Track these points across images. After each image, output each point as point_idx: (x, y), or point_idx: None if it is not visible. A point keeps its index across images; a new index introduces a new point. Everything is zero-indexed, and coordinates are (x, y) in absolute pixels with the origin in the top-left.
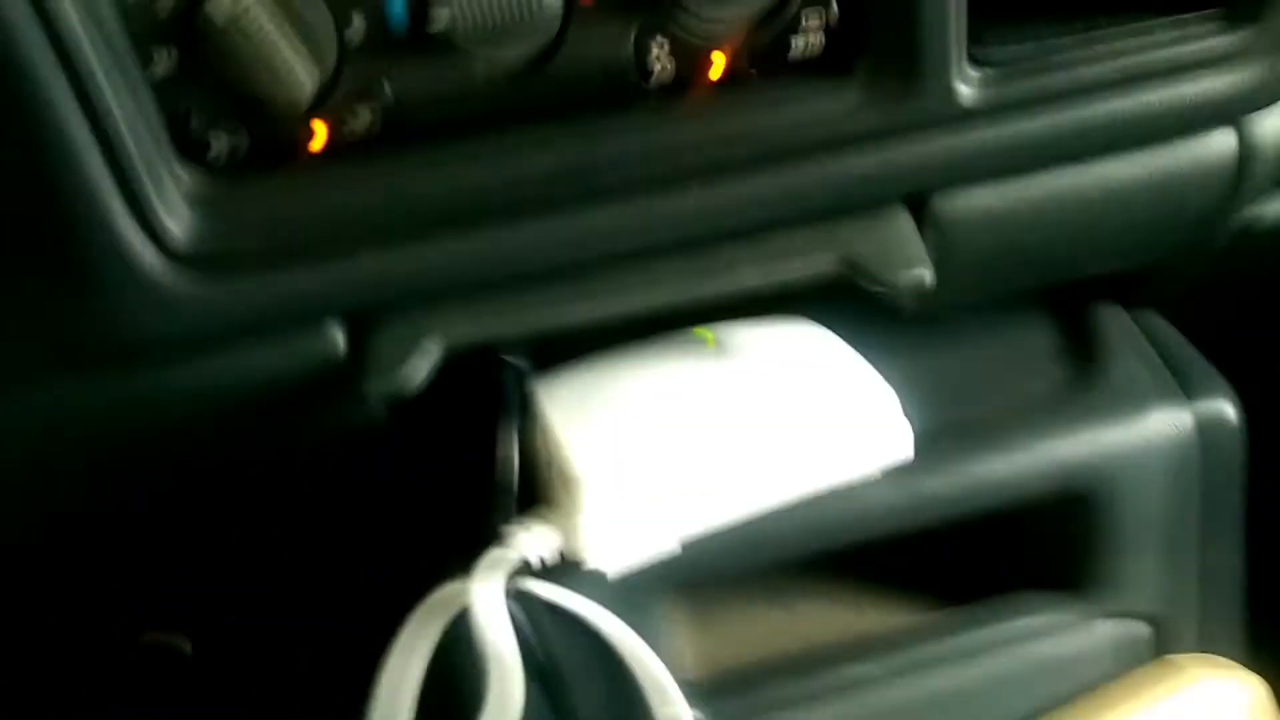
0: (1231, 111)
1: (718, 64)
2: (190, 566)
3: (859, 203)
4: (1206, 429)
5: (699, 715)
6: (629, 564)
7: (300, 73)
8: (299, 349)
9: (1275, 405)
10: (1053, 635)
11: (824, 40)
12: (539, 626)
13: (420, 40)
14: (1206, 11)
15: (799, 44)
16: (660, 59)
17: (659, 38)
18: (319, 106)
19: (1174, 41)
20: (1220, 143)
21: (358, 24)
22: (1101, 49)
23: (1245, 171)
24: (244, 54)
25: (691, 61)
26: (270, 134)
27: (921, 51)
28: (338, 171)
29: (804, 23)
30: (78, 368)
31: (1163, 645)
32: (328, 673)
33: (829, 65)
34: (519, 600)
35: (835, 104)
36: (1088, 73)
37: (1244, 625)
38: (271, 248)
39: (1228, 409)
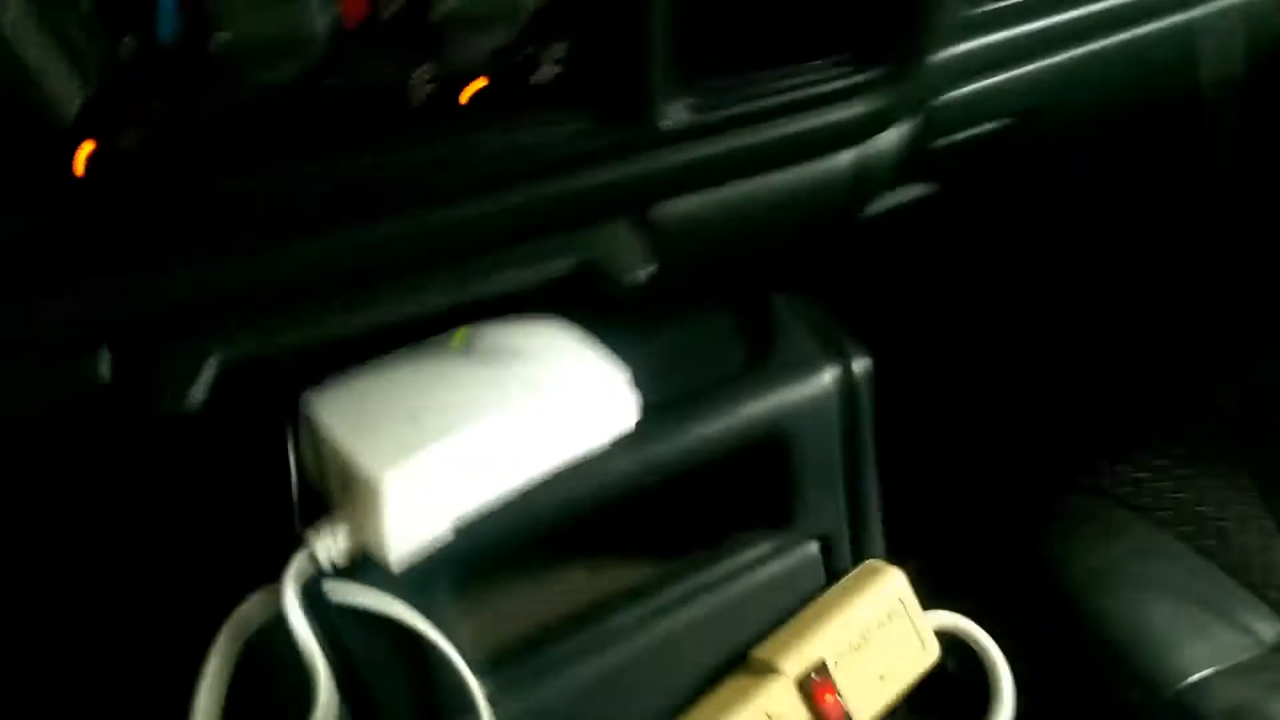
0: (865, 130)
1: (468, 91)
2: None
3: (589, 213)
4: (846, 383)
5: (489, 687)
6: (416, 556)
7: (64, 95)
8: (64, 374)
9: (896, 361)
10: (764, 564)
11: (561, 73)
12: (334, 627)
13: (192, 59)
14: (843, 54)
15: (538, 77)
16: (419, 84)
17: (418, 65)
18: (84, 128)
19: (825, 79)
20: (848, 155)
21: (128, 42)
22: (771, 85)
23: (867, 174)
24: (4, 75)
25: (446, 87)
26: (32, 158)
27: (638, 86)
28: (103, 194)
29: (542, 58)
30: None
31: (829, 559)
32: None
33: (566, 95)
34: (314, 604)
35: (568, 127)
36: (765, 103)
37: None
38: (28, 276)
39: (860, 367)
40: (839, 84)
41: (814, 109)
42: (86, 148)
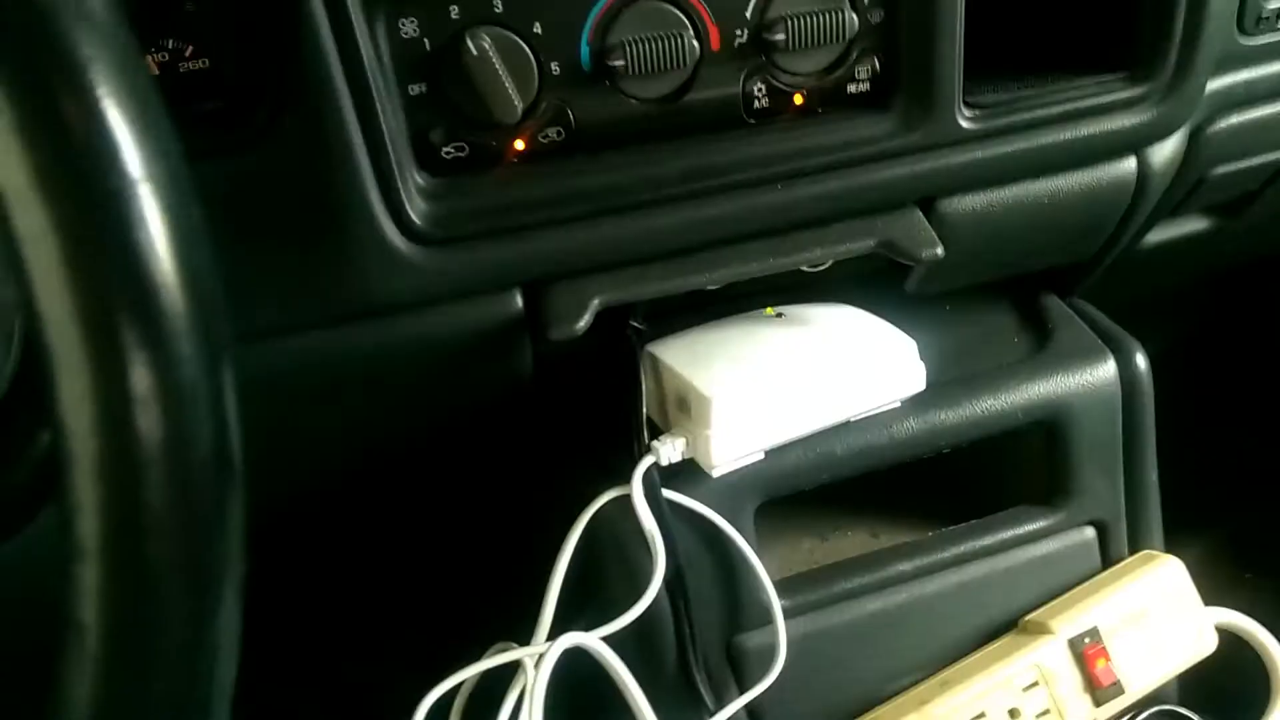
0: (1135, 142)
1: (797, 99)
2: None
3: (889, 202)
4: (1125, 375)
5: (784, 602)
6: (734, 466)
7: (514, 100)
8: (489, 307)
9: (1168, 358)
10: (1038, 540)
11: (870, 85)
12: (666, 524)
13: (596, 78)
14: (1119, 71)
15: (852, 88)
16: (759, 95)
17: (758, 80)
18: (522, 125)
19: (1098, 92)
20: (1128, 165)
21: (554, 66)
22: (1050, 96)
23: (1143, 186)
24: (477, 85)
25: (780, 97)
26: (484, 145)
27: (935, 92)
28: (530, 174)
29: (856, 72)
30: (340, 320)
31: (1104, 545)
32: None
33: (874, 102)
34: (652, 499)
35: (876, 128)
36: (1042, 112)
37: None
38: (479, 231)
39: (1139, 360)
40: (1111, 97)
41: (1087, 119)
42: (520, 143)
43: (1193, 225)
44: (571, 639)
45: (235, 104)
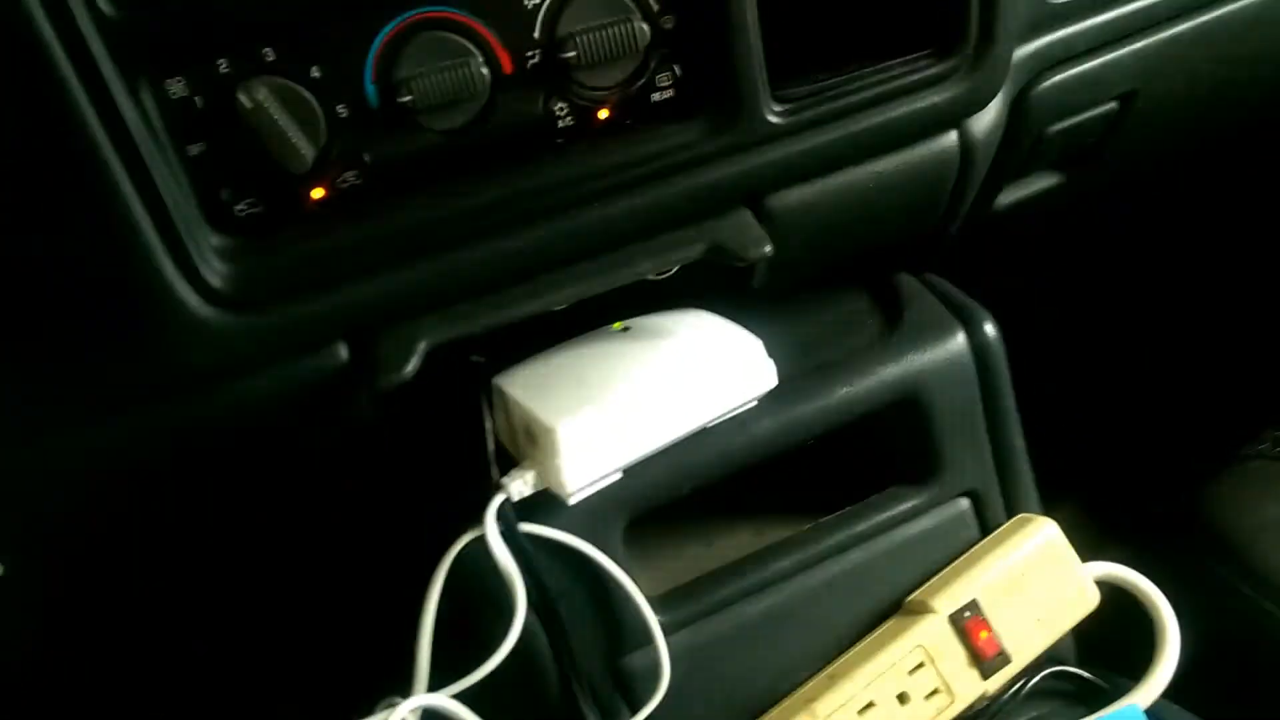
0: (950, 117)
1: (602, 114)
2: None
3: (713, 206)
4: (976, 345)
5: (663, 618)
6: (589, 491)
7: (302, 150)
8: (313, 362)
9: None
10: (915, 518)
11: (674, 92)
12: (527, 558)
13: (388, 115)
14: (924, 50)
15: (656, 97)
16: (561, 114)
17: (558, 100)
18: (315, 173)
19: (905, 72)
20: (949, 139)
21: (340, 109)
22: (858, 82)
23: (968, 157)
24: (260, 136)
25: (584, 114)
26: (279, 198)
27: (739, 93)
28: (332, 222)
29: (657, 81)
30: (158, 396)
31: (981, 514)
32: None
33: (679, 109)
34: (510, 536)
35: (685, 135)
36: (853, 99)
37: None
38: (287, 287)
39: (989, 328)
40: (919, 75)
41: (898, 100)
42: (318, 191)
43: (1044, 181)
44: (418, 701)
45: (19, 187)
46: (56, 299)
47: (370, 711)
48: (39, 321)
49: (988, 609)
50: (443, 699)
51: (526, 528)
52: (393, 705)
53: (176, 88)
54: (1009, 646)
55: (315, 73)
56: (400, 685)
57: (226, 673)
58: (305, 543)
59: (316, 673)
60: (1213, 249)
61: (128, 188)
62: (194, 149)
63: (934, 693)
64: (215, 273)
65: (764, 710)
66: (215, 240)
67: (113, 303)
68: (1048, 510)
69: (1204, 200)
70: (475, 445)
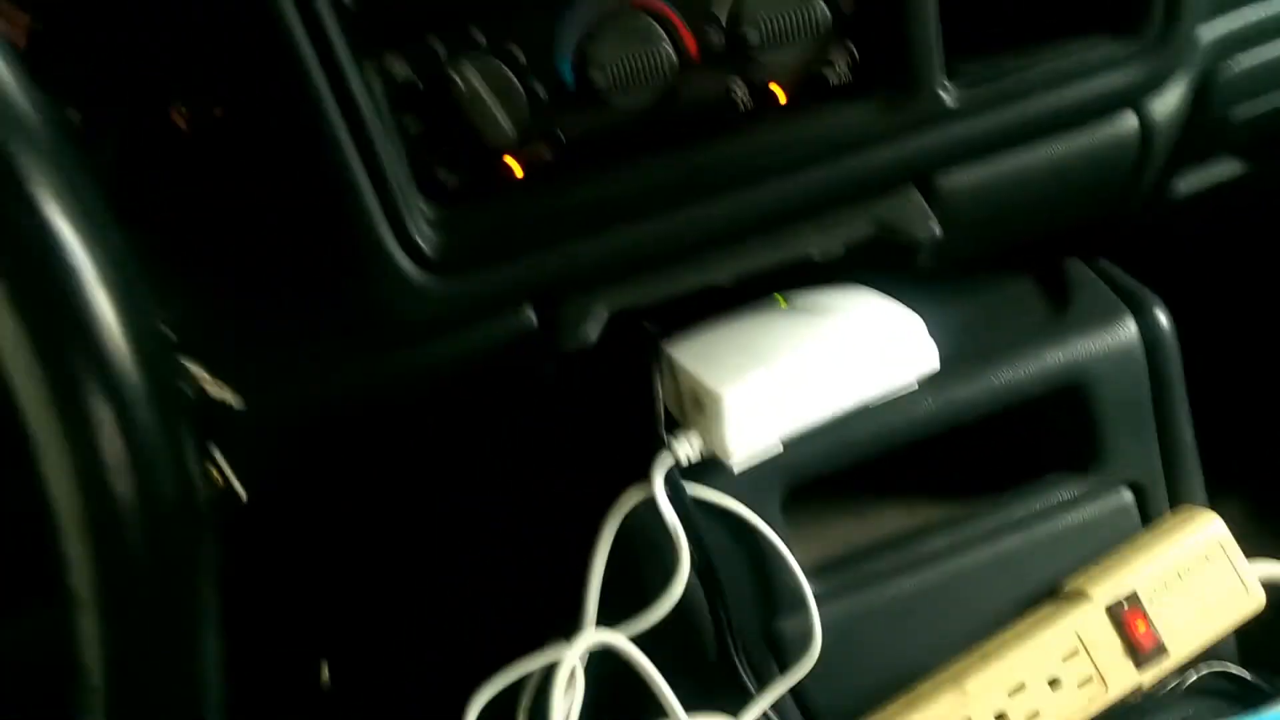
0: (1128, 97)
1: (780, 95)
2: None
3: (883, 183)
4: (1149, 334)
5: (817, 587)
6: (753, 460)
7: (505, 127)
8: (505, 324)
9: (1193, 315)
10: (1074, 507)
11: (851, 73)
12: (690, 520)
13: (581, 94)
14: (1103, 29)
15: (832, 76)
16: (741, 95)
17: (739, 80)
18: (516, 148)
19: (1083, 51)
20: (1128, 121)
21: (539, 88)
22: (1034, 61)
23: (1148, 140)
24: (468, 114)
25: (762, 94)
26: (483, 171)
27: (915, 73)
28: (529, 194)
29: (835, 63)
30: (368, 351)
31: (1143, 506)
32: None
33: (855, 89)
34: (675, 495)
35: (861, 114)
36: (1028, 77)
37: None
38: (487, 254)
39: (1161, 316)
40: (1097, 55)
41: (1075, 80)
42: (516, 165)
43: (1227, 169)
44: (598, 637)
45: (255, 155)
46: (290, 259)
47: (525, 651)
48: (275, 279)
49: (1147, 601)
50: (621, 639)
51: (692, 490)
52: (559, 644)
53: (398, 66)
54: (1167, 640)
55: (519, 54)
56: (553, 632)
57: (408, 612)
58: (483, 491)
59: (479, 616)
60: None
61: (355, 159)
62: (411, 124)
63: (1087, 680)
64: (425, 239)
65: (911, 683)
66: (426, 209)
67: (338, 263)
68: (1214, 506)
69: None
70: (645, 409)
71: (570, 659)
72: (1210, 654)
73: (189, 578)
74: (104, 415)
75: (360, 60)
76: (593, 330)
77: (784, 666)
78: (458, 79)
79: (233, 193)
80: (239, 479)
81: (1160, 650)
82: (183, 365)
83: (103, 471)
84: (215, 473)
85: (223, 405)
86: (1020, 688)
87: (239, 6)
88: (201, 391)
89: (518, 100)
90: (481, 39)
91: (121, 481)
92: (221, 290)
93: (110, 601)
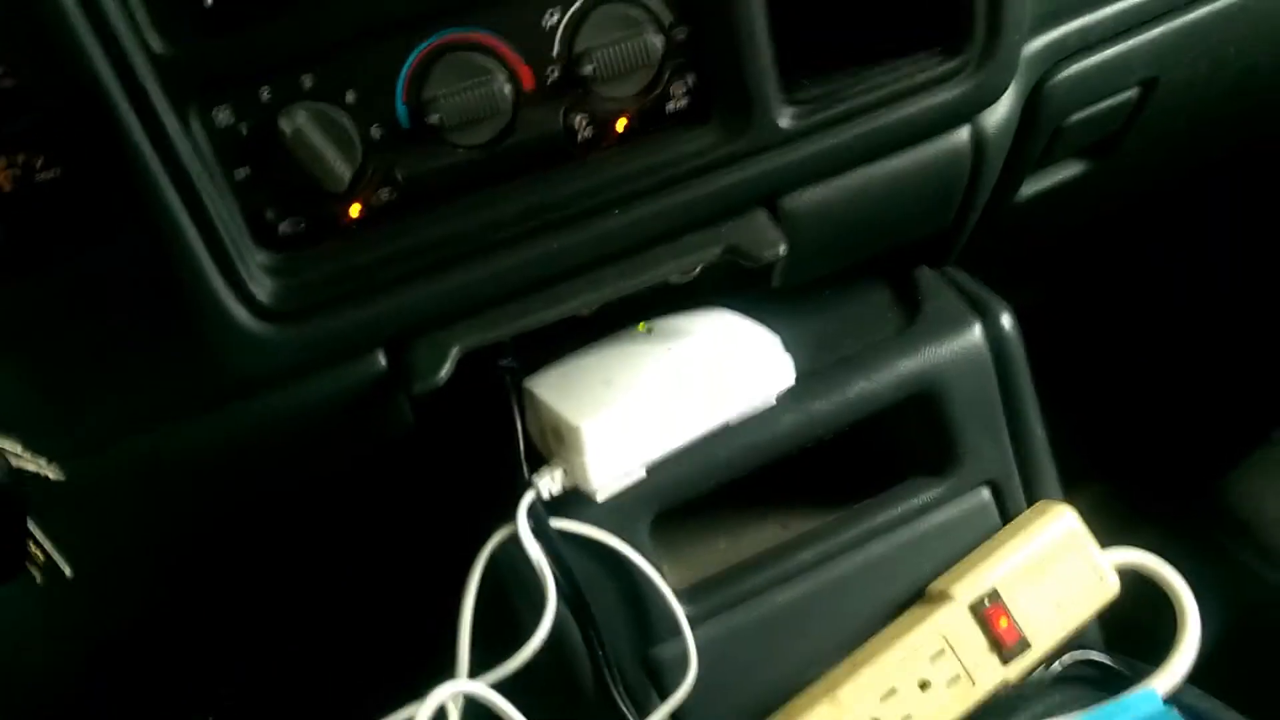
0: (960, 114)
1: (619, 125)
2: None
3: (729, 208)
4: (994, 336)
5: (690, 609)
6: (616, 489)
7: (339, 170)
8: (353, 370)
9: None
10: (935, 509)
11: (689, 100)
12: (557, 554)
13: (418, 133)
14: (932, 49)
15: (671, 106)
16: (580, 127)
17: (577, 113)
18: (352, 191)
19: (913, 71)
20: (961, 135)
21: (374, 130)
22: (869, 83)
23: (982, 151)
24: (300, 159)
25: (602, 125)
26: (320, 216)
27: (751, 99)
28: (369, 236)
29: (672, 91)
30: (188, 409)
31: (1001, 504)
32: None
33: (694, 116)
34: (540, 532)
35: (700, 142)
36: (862, 100)
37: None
38: (328, 299)
39: (1006, 319)
40: (927, 74)
41: (908, 99)
42: (355, 208)
43: (1067, 171)
44: (455, 687)
45: (86, 211)
46: (117, 314)
47: (408, 701)
48: (102, 336)
49: (1007, 596)
50: (480, 686)
51: (556, 524)
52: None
53: (222, 115)
54: (1029, 633)
55: (350, 97)
56: (434, 679)
57: (268, 667)
58: (345, 541)
59: (355, 667)
60: (1241, 233)
61: (180, 210)
62: (240, 173)
63: (955, 679)
64: (261, 287)
65: (789, 697)
66: (261, 257)
67: (168, 317)
68: (1069, 498)
69: (1233, 183)
70: (506, 446)
71: (423, 714)
72: (1075, 643)
73: None
74: None
75: (182, 109)
76: (445, 370)
77: (663, 693)
78: (285, 126)
79: (51, 251)
80: (65, 552)
81: (1024, 644)
82: None
83: None
84: (35, 548)
85: (41, 478)
86: (892, 692)
87: (49, 59)
88: (11, 469)
89: (351, 143)
90: (310, 83)
91: None
92: (40, 355)
93: None
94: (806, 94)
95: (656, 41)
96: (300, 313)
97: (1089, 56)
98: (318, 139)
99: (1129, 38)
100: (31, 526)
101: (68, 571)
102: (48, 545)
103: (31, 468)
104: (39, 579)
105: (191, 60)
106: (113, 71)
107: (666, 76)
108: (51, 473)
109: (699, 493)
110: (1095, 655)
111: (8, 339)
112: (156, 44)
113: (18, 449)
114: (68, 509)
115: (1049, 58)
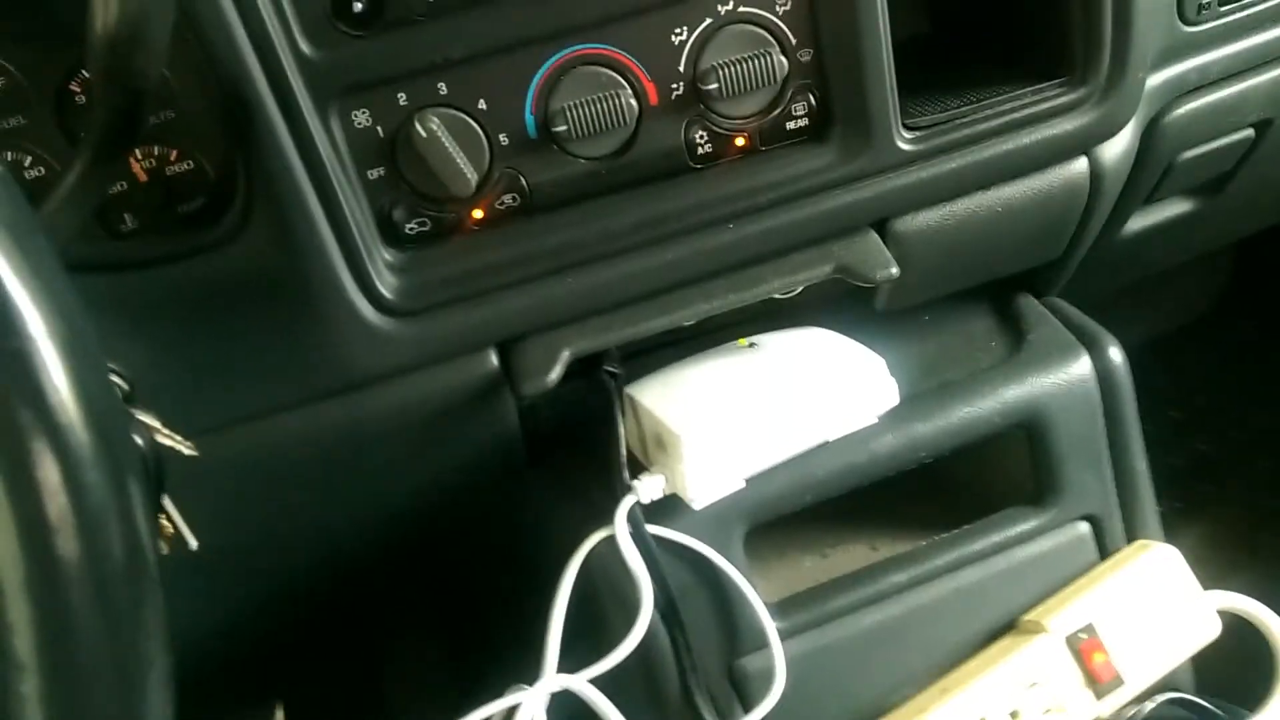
0: (1080, 145)
1: (739, 141)
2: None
3: (841, 228)
4: (1102, 369)
5: (780, 624)
6: (714, 498)
7: (467, 174)
8: (466, 368)
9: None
10: (1032, 540)
11: (808, 120)
12: (653, 559)
13: (544, 142)
14: (1055, 80)
15: (790, 125)
16: (701, 141)
17: (698, 128)
18: (477, 195)
19: (1036, 101)
20: (1079, 166)
21: (502, 137)
22: (989, 110)
23: (1098, 183)
24: (431, 164)
25: (721, 141)
26: (445, 218)
27: (871, 121)
28: (490, 240)
29: (793, 110)
30: (325, 396)
31: (1100, 538)
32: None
33: (813, 136)
34: (638, 536)
35: (818, 161)
36: (982, 127)
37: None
38: (448, 298)
39: (1115, 353)
40: (1049, 104)
41: (1028, 127)
42: (479, 212)
43: (1175, 209)
44: (558, 681)
45: (216, 203)
46: (251, 304)
47: (496, 696)
48: (237, 323)
49: (1104, 632)
50: (581, 682)
51: (654, 530)
52: (521, 690)
53: (361, 117)
54: (1124, 670)
55: (482, 104)
56: (521, 677)
57: (356, 656)
58: (447, 534)
59: (447, 661)
60: None
61: (315, 206)
62: (373, 173)
63: (1047, 712)
64: (386, 284)
65: (875, 718)
66: (388, 255)
67: (299, 308)
68: (1170, 537)
69: None
70: (609, 450)
71: (530, 704)
72: (1167, 682)
73: (134, 639)
74: (50, 477)
75: (324, 110)
76: (554, 373)
77: (747, 704)
78: (420, 129)
79: (191, 241)
80: (191, 526)
81: (1117, 680)
82: (134, 417)
83: (47, 534)
84: (166, 521)
85: (175, 453)
86: None
87: (205, 56)
88: (153, 442)
89: (480, 150)
90: (445, 90)
91: (67, 544)
92: (178, 339)
93: (54, 665)
94: (925, 119)
95: (781, 61)
96: (421, 310)
97: (1206, 95)
98: (449, 144)
99: (1246, 78)
100: (163, 500)
101: (193, 544)
102: (177, 517)
103: (168, 443)
104: (165, 549)
105: (337, 64)
106: (262, 71)
107: (788, 96)
108: (186, 449)
109: (795, 508)
110: (1189, 696)
111: (147, 320)
112: (306, 47)
113: (157, 424)
114: (195, 486)
115: (1168, 94)
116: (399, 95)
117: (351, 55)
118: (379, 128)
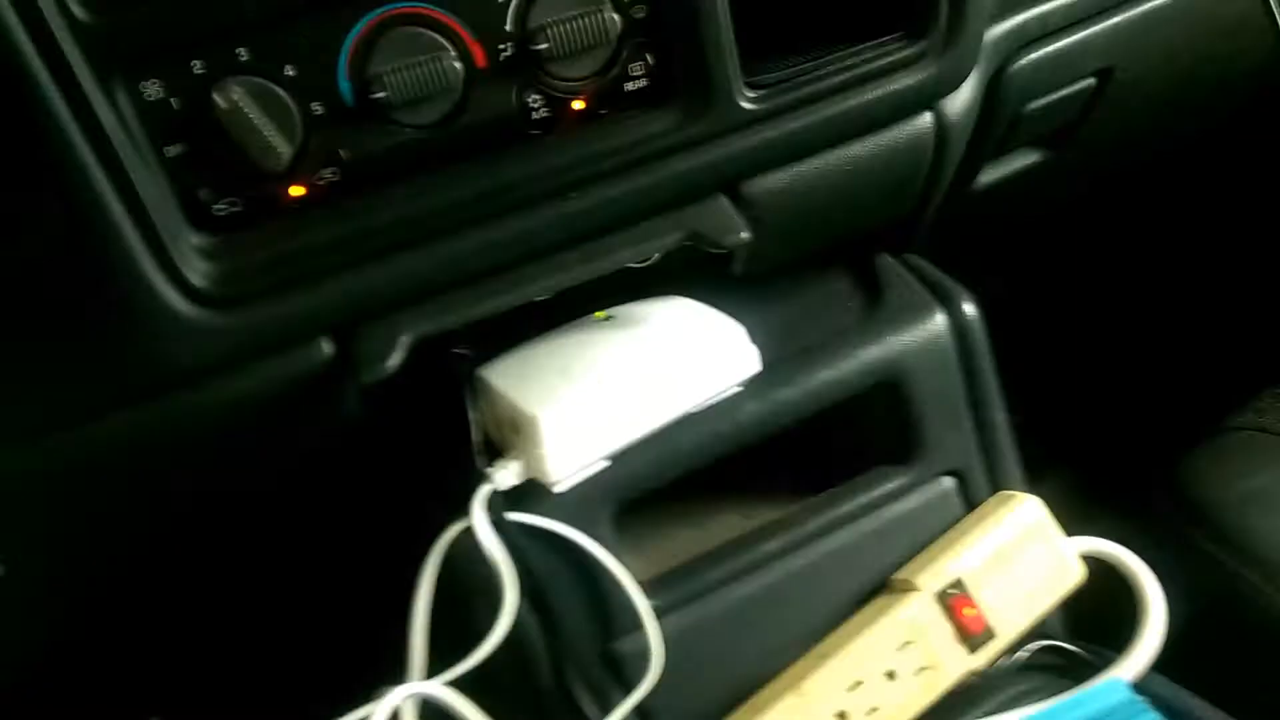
0: (924, 99)
1: (577, 105)
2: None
3: (689, 193)
4: (956, 324)
5: (654, 602)
6: (576, 480)
7: (278, 148)
8: (297, 358)
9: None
10: (899, 498)
11: (647, 81)
12: (517, 547)
13: (363, 111)
14: (896, 34)
15: (629, 86)
16: (536, 106)
17: (532, 91)
18: (293, 171)
19: (876, 55)
20: (923, 120)
21: (316, 106)
22: (832, 67)
23: (944, 138)
24: (235, 137)
25: (558, 105)
26: (258, 197)
27: (712, 80)
28: (312, 219)
29: (630, 70)
30: (144, 395)
31: (966, 492)
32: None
33: (653, 98)
34: (498, 525)
35: (659, 124)
36: (825, 84)
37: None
38: (269, 284)
39: (968, 308)
40: (890, 59)
41: (870, 83)
42: (296, 189)
43: (1024, 160)
44: (411, 688)
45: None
46: (43, 301)
47: (361, 703)
48: (27, 324)
49: (972, 586)
50: (437, 686)
51: (514, 517)
52: (383, 695)
53: (152, 89)
54: (994, 622)
55: (290, 71)
56: (389, 677)
57: (217, 667)
58: (294, 537)
59: (306, 666)
60: (1198, 223)
61: (106, 189)
62: (172, 150)
63: (922, 669)
64: (196, 271)
65: (754, 690)
66: (195, 239)
67: (98, 303)
68: (1032, 487)
69: (1191, 174)
70: (461, 437)
71: (379, 716)
72: (1037, 631)
73: None
74: None
75: (107, 81)
76: (395, 359)
77: (626, 687)
78: (220, 100)
79: None
80: None
81: (989, 633)
82: None
83: None
84: None
85: None
86: (858, 684)
87: None
88: None
89: (291, 120)
90: (246, 56)
91: None
92: None
93: None
94: (768, 77)
95: (614, 18)
96: (239, 298)
97: (1048, 45)
98: (254, 115)
99: (1086, 27)
100: None
101: None
102: None
103: None
104: None
105: (117, 29)
106: (31, 40)
107: (624, 55)
108: None
109: (662, 483)
110: (1060, 643)
111: None
112: (79, 11)
113: None
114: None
115: (1009, 45)
116: (193, 63)
117: (133, 19)
118: (173, 100)
